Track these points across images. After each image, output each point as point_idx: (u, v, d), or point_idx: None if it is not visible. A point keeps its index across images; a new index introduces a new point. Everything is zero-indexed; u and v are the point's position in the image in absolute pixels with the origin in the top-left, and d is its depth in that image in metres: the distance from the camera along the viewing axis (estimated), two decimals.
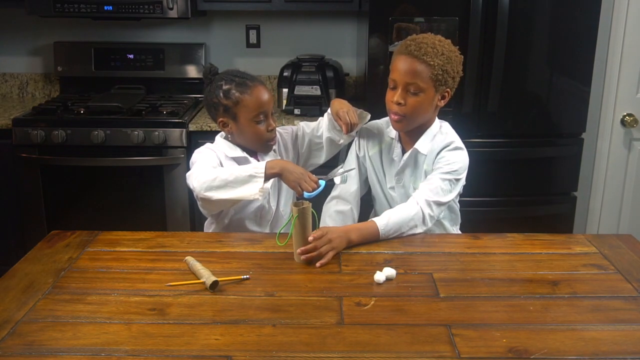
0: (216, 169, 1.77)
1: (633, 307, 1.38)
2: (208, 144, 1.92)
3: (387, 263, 1.56)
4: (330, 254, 1.59)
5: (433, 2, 2.66)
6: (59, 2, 2.90)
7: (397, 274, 1.50)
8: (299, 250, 1.57)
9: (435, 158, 1.85)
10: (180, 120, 2.82)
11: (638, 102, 3.05)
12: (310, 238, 1.57)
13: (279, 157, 1.96)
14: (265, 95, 1.85)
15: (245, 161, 1.88)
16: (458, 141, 1.87)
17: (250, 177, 1.68)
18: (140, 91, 3.24)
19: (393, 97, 1.79)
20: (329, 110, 1.96)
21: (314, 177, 1.70)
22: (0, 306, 1.35)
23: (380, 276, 1.48)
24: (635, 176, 3.13)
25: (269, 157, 1.92)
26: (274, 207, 1.97)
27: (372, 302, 1.38)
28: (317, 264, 1.56)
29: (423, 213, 1.75)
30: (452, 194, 1.82)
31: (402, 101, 1.78)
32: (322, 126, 1.99)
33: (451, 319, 1.32)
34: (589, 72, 2.76)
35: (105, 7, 2.92)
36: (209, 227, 2.01)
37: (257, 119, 1.84)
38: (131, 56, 3.29)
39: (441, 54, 1.76)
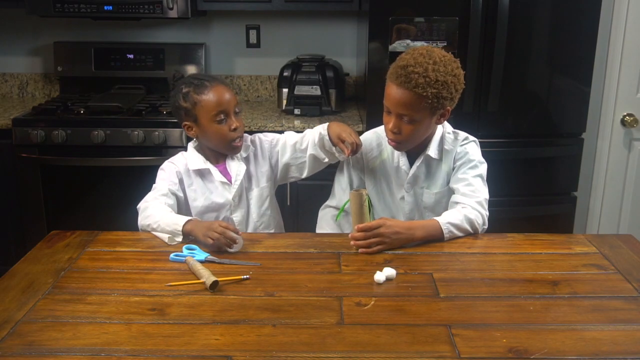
0: (153, 207, 1.75)
1: (633, 307, 1.37)
2: (171, 159, 1.93)
3: (387, 263, 1.56)
4: (376, 248, 1.61)
5: (433, 2, 2.66)
6: (59, 2, 2.90)
7: (397, 274, 1.50)
8: (350, 235, 1.62)
9: (455, 154, 1.84)
10: None
11: (638, 102, 3.05)
12: (356, 227, 1.61)
13: (244, 165, 1.91)
14: (224, 95, 1.83)
15: (208, 173, 1.88)
16: (467, 135, 1.89)
17: (171, 233, 1.68)
18: (140, 91, 3.23)
19: (389, 124, 1.75)
20: (317, 128, 1.91)
21: (230, 233, 1.62)
22: (0, 306, 1.35)
23: (380, 276, 1.48)
24: (635, 176, 3.13)
25: (236, 163, 1.89)
26: (239, 218, 1.92)
27: (372, 302, 1.38)
28: (359, 251, 1.61)
29: (481, 213, 1.77)
30: (487, 188, 1.85)
31: (396, 130, 1.73)
32: (306, 141, 1.94)
33: (451, 319, 1.32)
34: (589, 72, 2.76)
35: (105, 7, 2.92)
36: None
37: (217, 119, 1.82)
38: (131, 56, 3.29)
39: (435, 81, 1.62)
